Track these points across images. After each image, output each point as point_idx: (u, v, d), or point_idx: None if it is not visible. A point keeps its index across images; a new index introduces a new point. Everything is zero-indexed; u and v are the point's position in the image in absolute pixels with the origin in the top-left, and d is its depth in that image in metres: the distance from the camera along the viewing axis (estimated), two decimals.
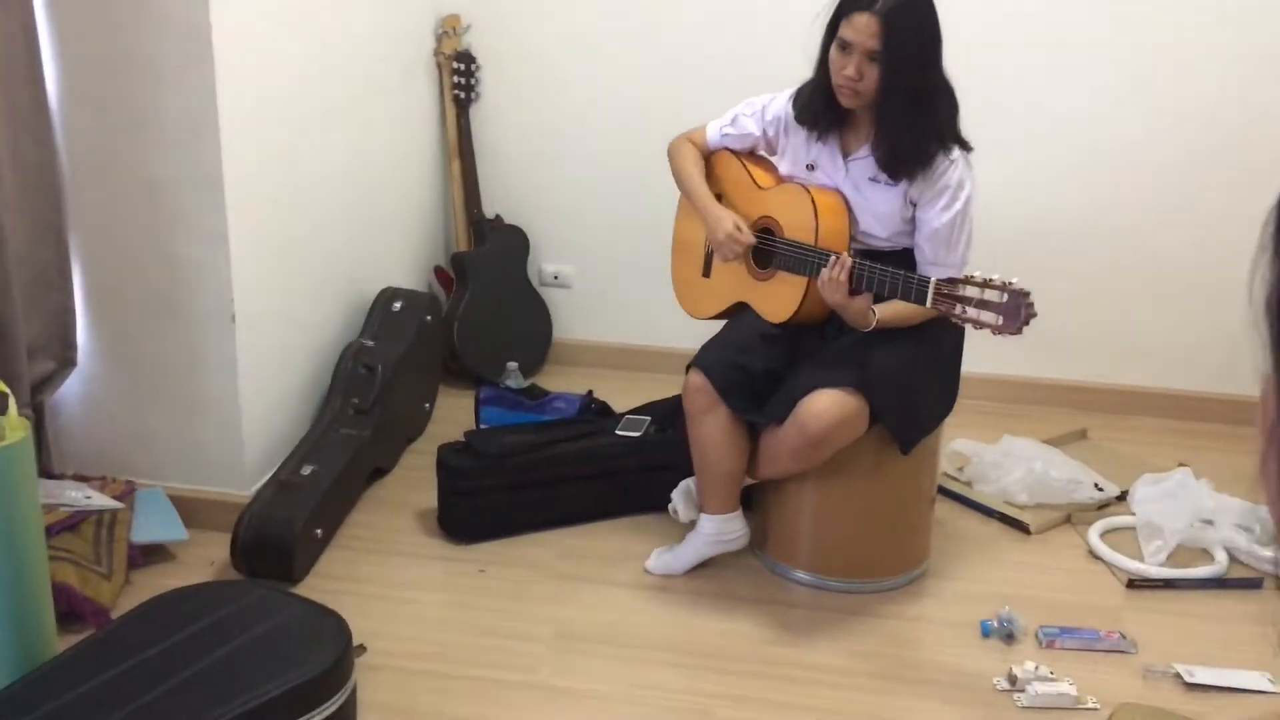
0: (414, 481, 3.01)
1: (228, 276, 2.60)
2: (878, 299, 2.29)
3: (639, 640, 2.42)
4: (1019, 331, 2.00)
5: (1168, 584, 2.66)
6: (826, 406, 2.31)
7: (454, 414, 3.36)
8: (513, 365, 3.35)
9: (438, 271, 3.79)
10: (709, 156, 2.63)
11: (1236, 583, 2.67)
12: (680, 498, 2.68)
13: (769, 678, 2.31)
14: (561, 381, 3.58)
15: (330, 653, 2.01)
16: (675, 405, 3.00)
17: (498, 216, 3.77)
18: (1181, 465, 3.11)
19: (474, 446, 2.81)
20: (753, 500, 2.73)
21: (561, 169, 3.77)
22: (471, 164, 3.70)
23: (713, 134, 2.61)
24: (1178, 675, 2.32)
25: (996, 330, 2.00)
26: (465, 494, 2.76)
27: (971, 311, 2.03)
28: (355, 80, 3.15)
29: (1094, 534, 2.84)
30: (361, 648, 2.25)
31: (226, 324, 2.63)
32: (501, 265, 3.73)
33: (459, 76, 3.64)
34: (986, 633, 2.45)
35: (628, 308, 3.82)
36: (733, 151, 2.60)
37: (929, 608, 2.57)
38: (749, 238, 2.46)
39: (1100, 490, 3.03)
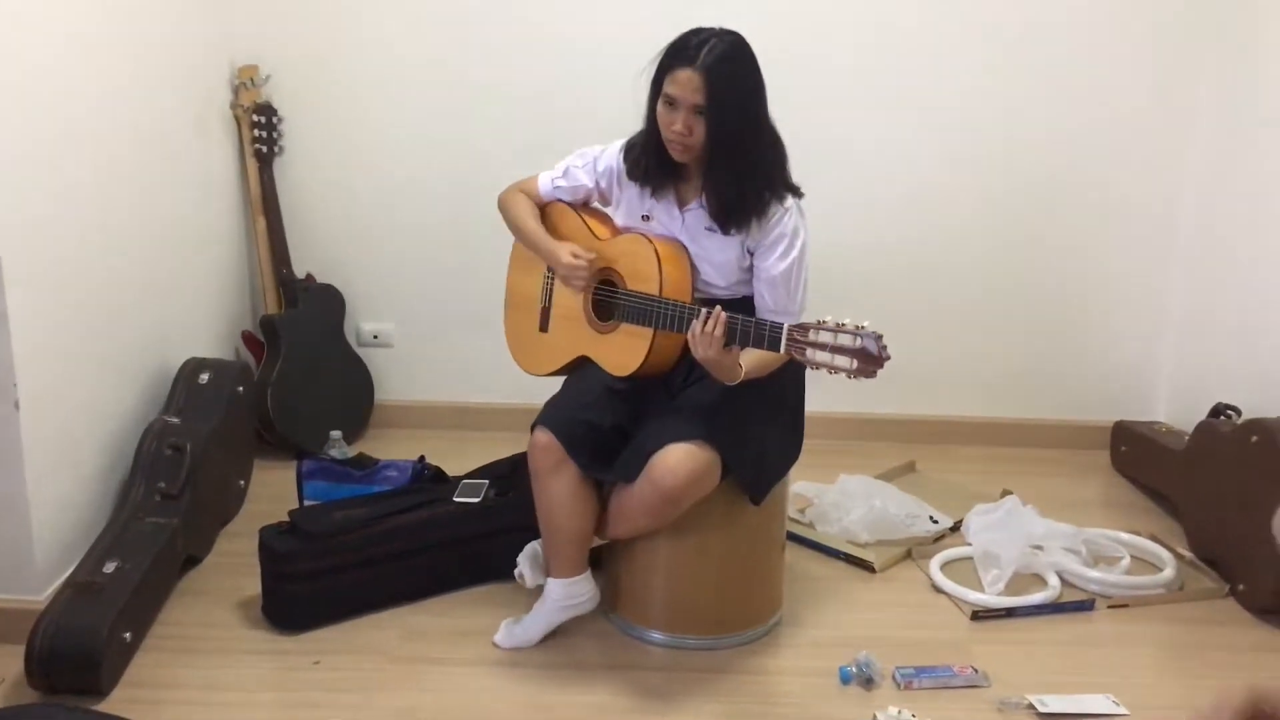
0: (232, 569, 2.77)
1: (8, 356, 2.32)
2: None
3: None
4: (873, 375, 1.99)
5: (1009, 612, 2.72)
6: (680, 460, 2.25)
7: (273, 490, 3.13)
8: (336, 434, 3.15)
9: (246, 337, 3.55)
10: (543, 208, 2.55)
11: (1071, 606, 2.76)
12: (526, 562, 2.56)
13: None
14: (388, 447, 3.40)
15: None
16: (513, 465, 2.89)
17: (309, 275, 3.56)
18: (1007, 493, 3.22)
19: (300, 525, 2.61)
20: (601, 561, 2.63)
21: (375, 223, 3.60)
22: (278, 221, 3.48)
23: (544, 185, 2.53)
24: (1030, 706, 2.36)
25: (852, 374, 1.99)
26: (292, 579, 2.55)
27: (824, 356, 2.01)
28: (138, 135, 2.90)
29: (934, 567, 2.89)
30: None
31: (9, 410, 2.35)
32: (316, 327, 3.53)
33: (259, 130, 3.44)
34: (846, 679, 2.43)
35: (454, 365, 3.68)
36: (566, 203, 2.53)
37: (788, 659, 2.53)
38: (590, 255, 2.38)
39: (935, 522, 3.09)
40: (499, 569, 2.72)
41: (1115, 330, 3.72)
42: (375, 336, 3.69)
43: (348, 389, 3.60)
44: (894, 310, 3.58)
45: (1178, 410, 3.61)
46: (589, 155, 2.49)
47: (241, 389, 3.07)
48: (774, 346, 2.08)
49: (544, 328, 2.58)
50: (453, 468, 3.00)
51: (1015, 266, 3.65)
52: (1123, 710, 2.36)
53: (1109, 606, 2.78)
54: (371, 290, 3.65)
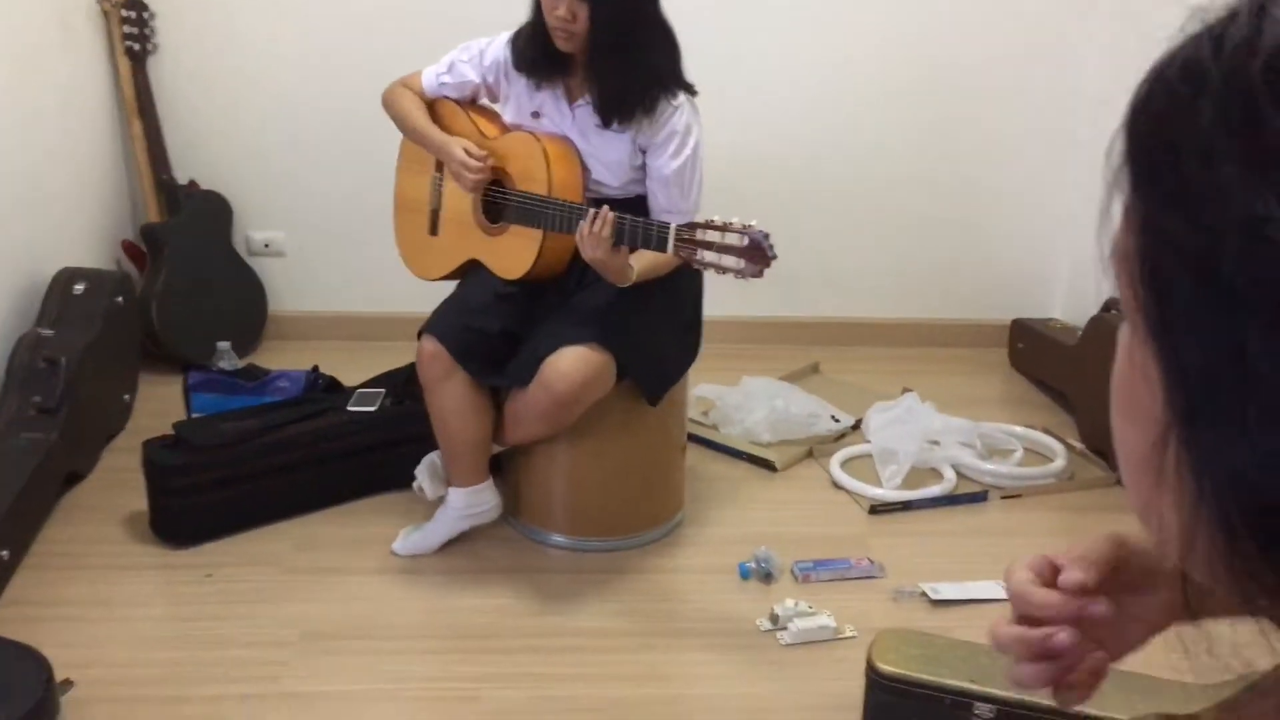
0: (118, 484, 2.68)
1: None
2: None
3: (393, 630, 2.25)
4: (760, 275, 1.97)
5: (905, 506, 2.77)
6: (572, 364, 2.22)
7: (160, 405, 3.02)
8: (224, 345, 3.04)
9: (126, 247, 3.39)
10: (430, 106, 2.44)
11: (965, 498, 2.82)
12: (425, 474, 2.51)
13: (535, 651, 2.21)
14: (282, 358, 3.30)
15: (27, 694, 1.74)
16: (410, 374, 2.82)
17: (192, 182, 3.40)
18: (907, 390, 3.26)
19: (186, 438, 2.53)
20: (502, 466, 2.60)
21: (261, 125, 3.44)
22: (155, 124, 3.31)
23: (429, 82, 2.42)
24: (924, 594, 2.41)
25: (739, 274, 1.96)
26: (180, 493, 2.48)
27: (712, 256, 1.98)
28: None
29: (835, 464, 2.92)
30: (67, 682, 1.96)
31: None
32: (201, 235, 3.38)
33: (130, 26, 3.23)
34: (745, 575, 2.46)
35: (349, 273, 3.57)
36: (454, 100, 2.43)
37: (687, 557, 2.55)
38: (483, 154, 2.30)
39: (837, 421, 3.12)
40: (396, 479, 2.67)
41: (1013, 229, 3.75)
42: (266, 245, 3.55)
43: (238, 300, 3.47)
44: (794, 212, 3.55)
45: (1073, 307, 3.67)
46: (474, 49, 2.39)
47: (121, 299, 2.94)
48: (661, 247, 2.04)
49: (434, 231, 2.50)
50: (349, 378, 2.93)
51: (914, 166, 3.64)
52: None
53: (1002, 497, 2.85)
54: (260, 197, 3.50)
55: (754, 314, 3.67)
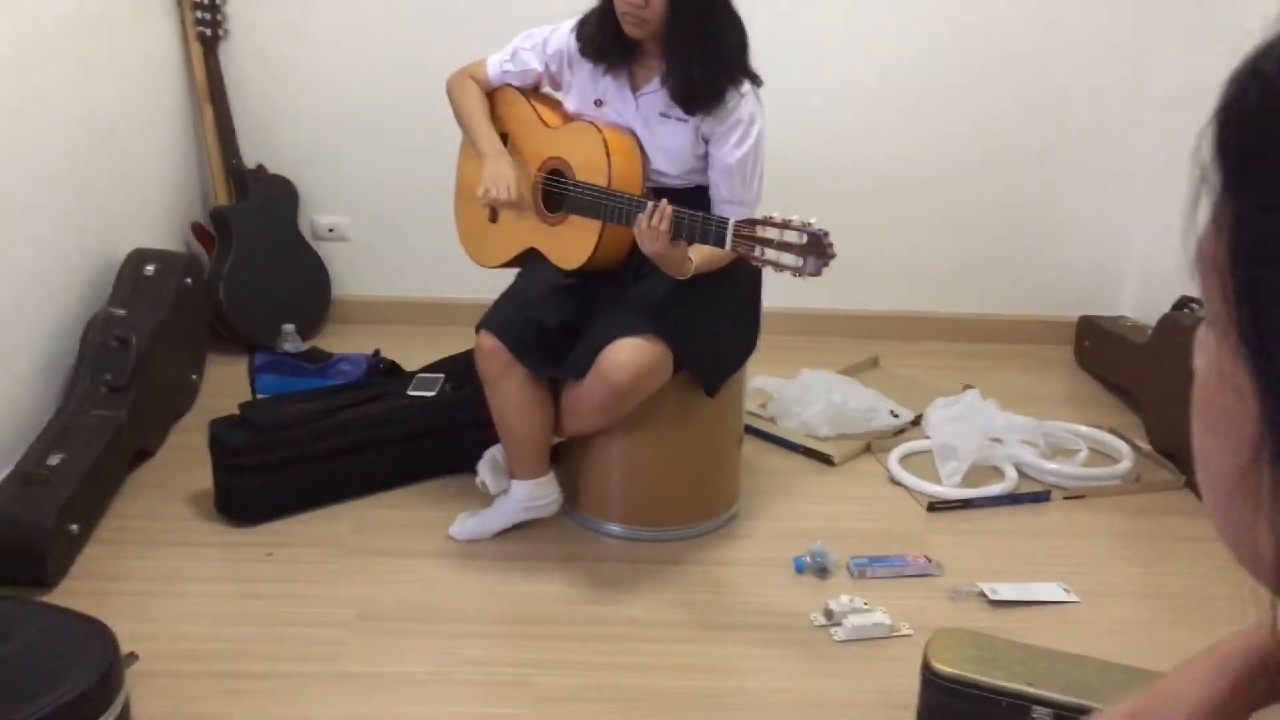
0: (184, 462, 2.73)
1: None
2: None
3: (448, 614, 2.27)
4: (819, 273, 1.94)
5: (965, 504, 2.73)
6: (629, 355, 2.21)
7: (226, 385, 3.08)
8: (289, 328, 3.08)
9: (196, 229, 3.45)
10: (492, 94, 2.45)
11: (1027, 497, 2.77)
12: (487, 469, 2.52)
13: (586, 639, 2.21)
14: (344, 342, 3.34)
15: (93, 667, 1.78)
16: (470, 360, 2.84)
17: (260, 166, 3.46)
18: (968, 387, 3.21)
19: (251, 419, 2.57)
20: (559, 456, 2.61)
21: (328, 112, 3.48)
22: (225, 109, 3.36)
23: (493, 70, 2.43)
24: (982, 594, 2.37)
25: (797, 273, 1.94)
26: (244, 472, 2.53)
27: (771, 254, 1.96)
28: (75, 18, 2.77)
29: (893, 460, 2.89)
30: (132, 656, 2.00)
31: None
32: (268, 219, 3.44)
33: (202, 12, 3.29)
34: (800, 569, 2.44)
35: (411, 259, 3.60)
36: (517, 88, 2.43)
37: (742, 550, 2.54)
38: (514, 196, 2.31)
39: (896, 416, 3.09)
40: (454, 464, 2.70)
41: (1081, 224, 3.67)
42: (331, 230, 3.60)
43: (303, 283, 3.52)
44: (857, 204, 3.51)
45: (1142, 305, 3.58)
46: (537, 36, 2.39)
47: (190, 281, 3.00)
48: (719, 242, 2.03)
49: (494, 218, 2.51)
50: (410, 363, 2.96)
51: (981, 159, 3.57)
52: (1073, 598, 2.38)
53: (1065, 498, 2.80)
54: (326, 182, 3.55)
55: (812, 306, 3.63)
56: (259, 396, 2.89)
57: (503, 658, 2.16)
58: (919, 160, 3.58)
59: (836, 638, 2.23)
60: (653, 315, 2.24)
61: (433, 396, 2.73)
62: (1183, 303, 3.11)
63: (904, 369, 3.49)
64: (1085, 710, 1.83)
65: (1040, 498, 2.78)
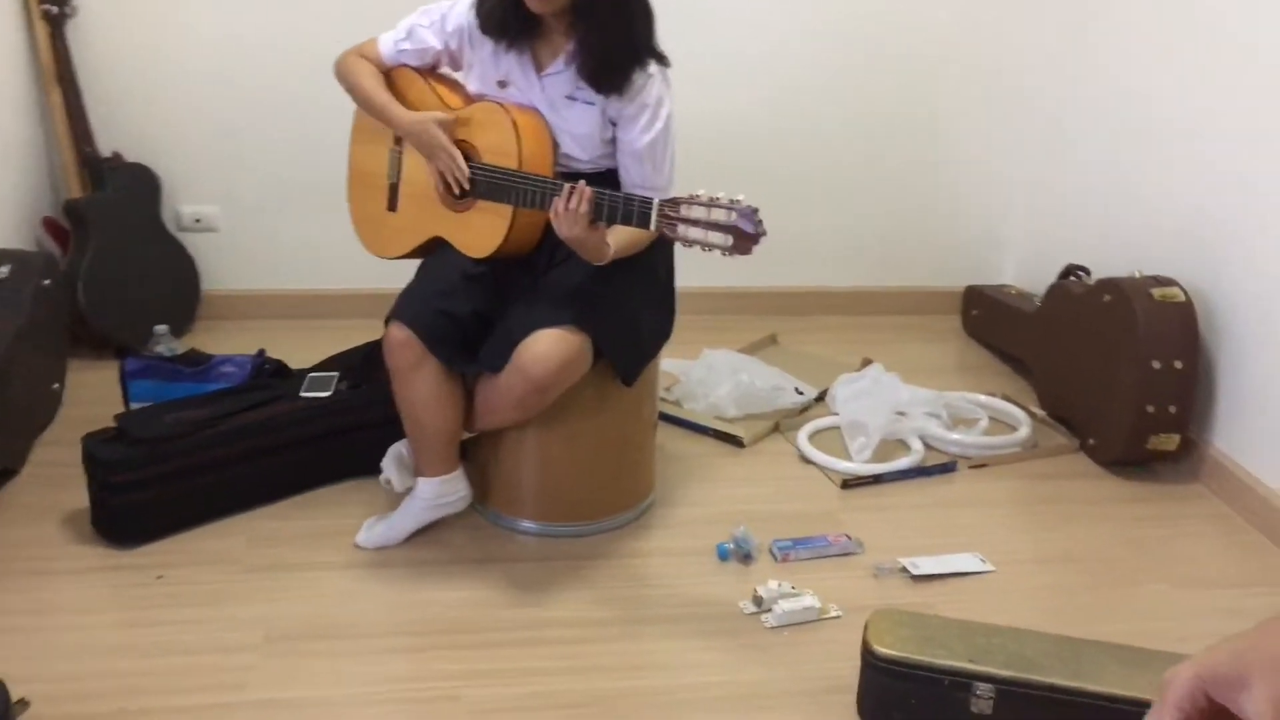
0: (53, 480, 2.52)
1: None
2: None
3: (363, 629, 2.15)
4: (748, 252, 1.89)
5: (876, 479, 2.74)
6: (549, 348, 2.12)
7: (91, 393, 2.85)
8: (161, 329, 2.87)
9: (48, 224, 3.18)
10: (386, 75, 2.30)
11: (934, 469, 2.80)
12: (392, 465, 2.40)
13: (514, 644, 2.12)
14: (219, 341, 3.14)
15: None
16: (365, 355, 2.71)
17: (116, 154, 3.20)
18: (868, 361, 3.23)
19: (129, 431, 2.37)
20: (468, 452, 2.50)
21: (190, 94, 3.25)
22: (76, 93, 3.10)
23: (388, 49, 2.28)
24: (904, 569, 2.38)
25: (728, 251, 1.88)
26: (124, 489, 2.33)
27: (697, 233, 1.89)
28: None
29: (803, 439, 2.88)
30: (23, 703, 1.82)
31: None
32: (128, 211, 3.19)
33: None
34: (724, 556, 2.41)
35: (289, 248, 3.41)
36: (413, 68, 2.29)
37: (662, 540, 2.48)
38: (453, 138, 2.18)
39: (801, 394, 3.08)
40: (355, 467, 2.57)
41: (966, 195, 3.74)
42: (197, 220, 3.37)
43: (170, 279, 3.29)
44: (748, 181, 3.45)
45: (1025, 273, 3.68)
46: (435, 13, 2.25)
47: (47, 281, 2.75)
48: (644, 224, 1.95)
49: (392, 206, 2.37)
50: (295, 361, 2.79)
51: (867, 135, 3.59)
52: (990, 567, 2.42)
53: (970, 467, 2.84)
54: (189, 169, 3.32)
55: (709, 285, 3.60)
56: (133, 405, 2.68)
57: (428, 672, 2.05)
58: (807, 137, 3.57)
59: (768, 624, 2.20)
60: (571, 304, 2.15)
61: (328, 397, 2.58)
62: (1070, 270, 3.19)
63: (802, 345, 3.49)
64: (1026, 684, 1.85)
65: (947, 468, 2.82)
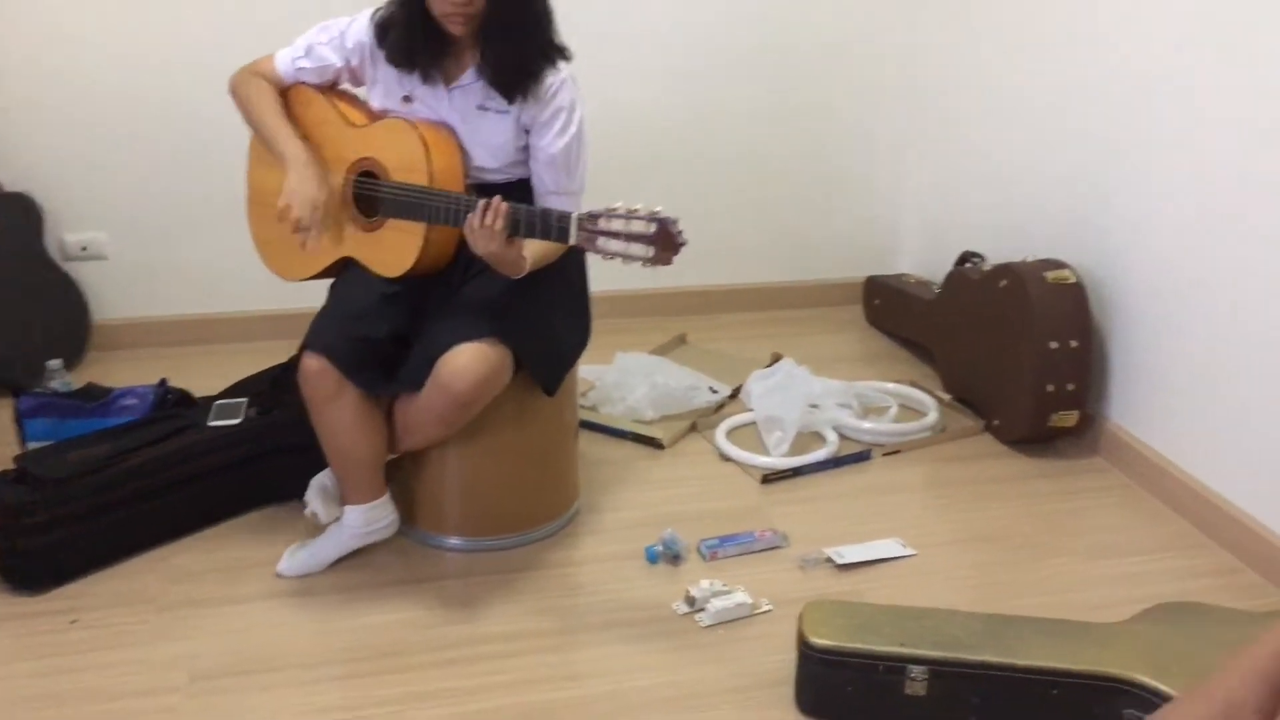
0: None
1: None
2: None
3: (292, 660, 2.10)
4: (669, 262, 1.90)
5: (795, 472, 2.79)
6: (469, 362, 2.10)
7: None
8: (54, 363, 2.76)
9: None
10: (284, 94, 2.25)
11: (850, 458, 2.87)
12: (316, 498, 2.34)
13: (451, 663, 2.10)
14: (115, 373, 3.03)
15: None
16: (273, 380, 2.65)
17: None
18: (778, 356, 3.28)
19: (31, 471, 2.28)
20: (390, 473, 2.46)
21: (70, 115, 3.12)
22: None
23: (285, 67, 2.23)
24: (829, 559, 2.43)
25: (649, 262, 1.89)
26: (30, 532, 2.24)
27: (617, 245, 1.90)
28: None
29: (720, 437, 2.91)
30: None
31: None
32: (7, 242, 3.05)
33: None
34: (653, 559, 2.42)
35: (184, 272, 3.31)
36: (313, 86, 2.25)
37: (591, 547, 2.49)
38: (316, 219, 2.11)
39: (715, 393, 3.11)
40: (270, 494, 2.51)
41: (861, 188, 3.82)
42: (84, 249, 3.24)
43: (57, 311, 3.16)
44: (647, 181, 3.51)
45: (922, 262, 3.78)
46: (334, 29, 2.21)
47: None
48: (563, 238, 1.94)
49: None
50: (200, 389, 2.72)
51: (763, 131, 3.65)
52: (911, 551, 2.48)
53: (884, 454, 2.91)
54: (73, 195, 3.19)
55: (616, 288, 3.61)
56: (30, 445, 2.57)
57: (366, 699, 2.01)
58: (705, 134, 3.61)
59: (702, 624, 2.23)
60: (489, 317, 2.14)
61: (239, 424, 2.51)
62: (965, 257, 3.30)
63: (711, 343, 3.53)
64: (956, 664, 1.91)
65: (862, 457, 2.88)
